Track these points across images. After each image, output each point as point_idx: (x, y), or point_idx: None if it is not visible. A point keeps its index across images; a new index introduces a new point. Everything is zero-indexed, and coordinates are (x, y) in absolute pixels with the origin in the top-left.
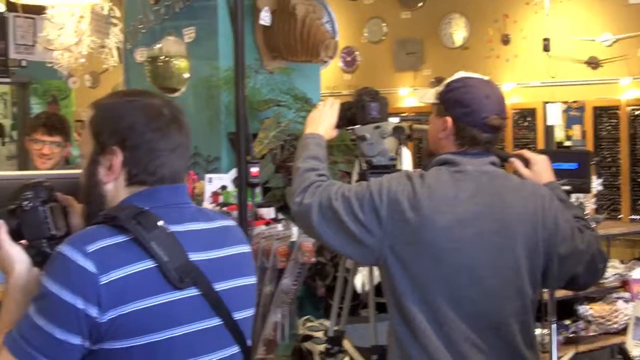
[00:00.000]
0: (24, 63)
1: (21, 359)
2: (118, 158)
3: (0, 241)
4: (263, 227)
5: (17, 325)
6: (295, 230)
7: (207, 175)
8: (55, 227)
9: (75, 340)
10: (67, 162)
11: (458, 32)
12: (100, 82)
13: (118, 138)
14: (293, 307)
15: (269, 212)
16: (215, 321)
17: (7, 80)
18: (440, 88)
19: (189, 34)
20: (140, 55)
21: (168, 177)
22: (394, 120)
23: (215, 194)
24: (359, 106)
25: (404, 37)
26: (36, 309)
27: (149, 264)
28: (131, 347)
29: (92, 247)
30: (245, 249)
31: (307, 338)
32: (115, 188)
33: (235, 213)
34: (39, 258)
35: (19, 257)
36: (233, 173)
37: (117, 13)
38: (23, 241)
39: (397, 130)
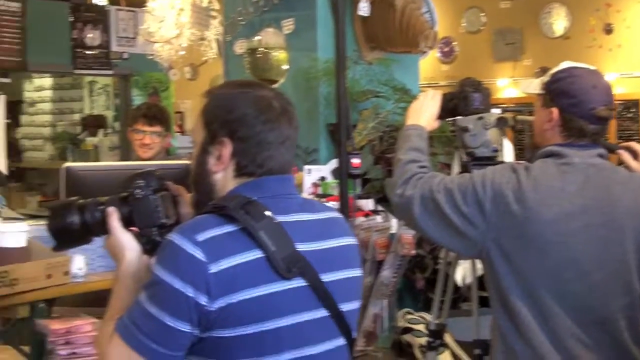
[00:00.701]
0: (125, 55)
1: (132, 345)
2: (227, 149)
3: (112, 228)
4: (362, 219)
5: (128, 312)
6: (394, 222)
7: (306, 167)
8: (165, 215)
9: (185, 327)
10: (167, 153)
11: (559, 21)
12: (199, 74)
13: (228, 129)
14: (392, 300)
15: (367, 204)
16: (322, 312)
17: (110, 72)
18: (545, 78)
19: (288, 25)
20: (240, 47)
21: (276, 169)
22: (496, 111)
23: (314, 185)
24: (461, 97)
25: (503, 26)
26: (147, 296)
27: (257, 253)
28: (239, 335)
29: (202, 236)
30: (352, 241)
31: (407, 330)
32: (224, 178)
33: (334, 204)
34: (149, 246)
35: (129, 244)
36: (332, 164)
37: (217, 5)
38: (133, 229)
39: (500, 121)
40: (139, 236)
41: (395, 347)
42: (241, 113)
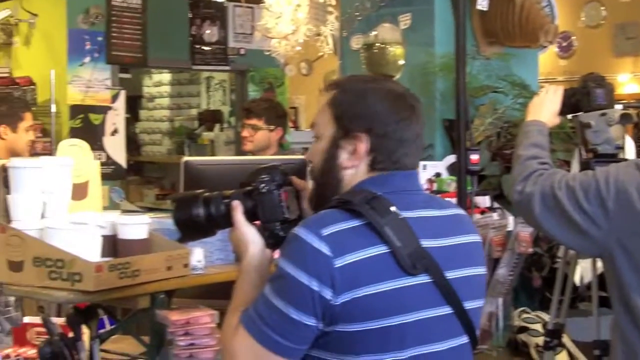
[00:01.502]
0: (242, 51)
1: (257, 337)
2: (363, 144)
3: (236, 222)
4: (478, 216)
5: (253, 305)
6: (511, 220)
7: (422, 163)
8: (288, 210)
9: (310, 321)
10: (281, 147)
11: None
12: (314, 69)
13: (365, 124)
14: (508, 298)
15: (484, 201)
16: (446, 309)
17: (227, 68)
18: None
19: (405, 20)
20: (356, 42)
21: (409, 166)
22: (619, 107)
23: (429, 181)
24: (584, 92)
25: (624, 20)
26: (273, 289)
27: (382, 249)
28: (364, 330)
29: (327, 231)
30: (476, 238)
31: (523, 330)
32: (355, 173)
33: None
34: (272, 240)
35: (253, 238)
36: (448, 160)
37: (333, 1)
38: (257, 222)
39: (624, 117)
40: (262, 230)
41: (510, 346)
42: (378, 109)
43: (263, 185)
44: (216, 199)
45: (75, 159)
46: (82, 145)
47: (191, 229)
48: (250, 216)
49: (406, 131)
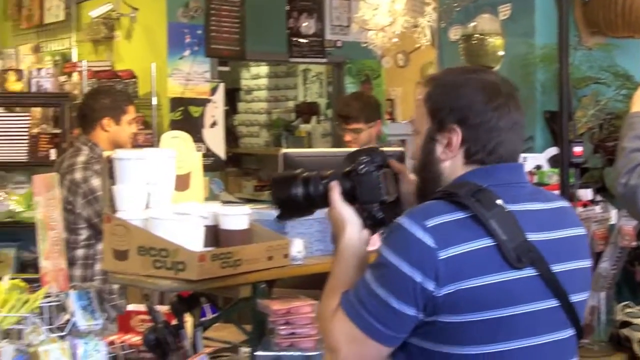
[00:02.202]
0: (339, 44)
1: (356, 322)
2: (457, 136)
3: (334, 201)
4: (580, 209)
5: (354, 289)
6: (614, 213)
7: (522, 155)
8: (387, 192)
9: (410, 311)
10: (379, 139)
11: None
12: (410, 61)
13: (458, 116)
14: (611, 292)
15: (586, 194)
16: (553, 303)
17: (324, 60)
18: None
19: (505, 11)
20: (454, 33)
21: (505, 156)
22: None
23: (529, 174)
24: None
25: None
26: (374, 276)
27: (487, 242)
28: (468, 322)
29: (431, 222)
30: (581, 231)
31: (625, 324)
32: (453, 166)
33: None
34: (370, 222)
35: (350, 218)
36: (549, 152)
37: None
38: (354, 204)
39: None
40: (360, 211)
41: (612, 340)
42: (470, 99)
43: (362, 166)
44: (315, 178)
45: (178, 151)
46: (184, 137)
47: (290, 207)
48: (349, 197)
49: (500, 120)
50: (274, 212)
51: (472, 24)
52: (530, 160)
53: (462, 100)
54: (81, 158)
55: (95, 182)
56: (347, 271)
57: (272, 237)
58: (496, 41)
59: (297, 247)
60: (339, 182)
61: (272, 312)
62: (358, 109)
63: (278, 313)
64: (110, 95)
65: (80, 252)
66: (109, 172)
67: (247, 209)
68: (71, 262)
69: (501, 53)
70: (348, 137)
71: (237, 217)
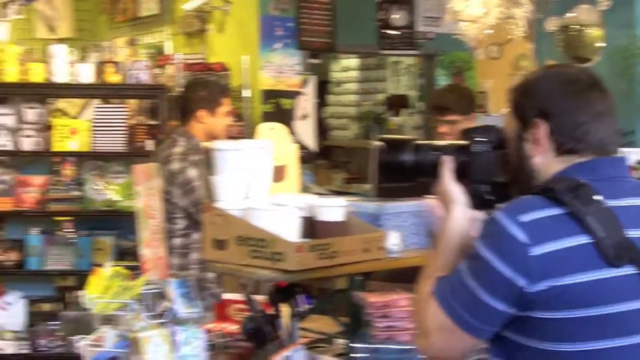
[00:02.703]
0: (430, 35)
1: (447, 311)
2: (542, 130)
3: (444, 177)
4: None
5: (448, 277)
6: None
7: (621, 149)
8: (499, 173)
9: (499, 306)
10: None
11: None
12: (503, 53)
13: (538, 109)
14: None
15: None
16: None
17: (414, 52)
18: None
19: (604, 1)
20: (552, 24)
21: (595, 144)
22: None
23: (631, 169)
24: None
25: None
26: (468, 267)
27: (584, 239)
28: (564, 319)
29: (525, 217)
30: None
31: None
32: (545, 161)
33: None
34: (477, 201)
35: (458, 197)
36: None
37: None
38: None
39: None
40: (468, 189)
41: None
42: (548, 91)
43: (477, 144)
44: (426, 147)
45: (274, 142)
46: (280, 129)
47: (393, 172)
48: (459, 173)
49: (581, 109)
50: (369, 204)
51: (571, 15)
52: (631, 155)
53: (541, 93)
54: (178, 149)
55: (192, 172)
56: (448, 254)
57: (368, 230)
58: (595, 32)
59: (393, 240)
60: (452, 157)
61: (369, 304)
62: (454, 100)
63: (375, 306)
64: (207, 87)
65: (177, 241)
66: (208, 163)
67: (343, 200)
68: (168, 251)
69: (600, 44)
70: (443, 129)
71: (334, 208)
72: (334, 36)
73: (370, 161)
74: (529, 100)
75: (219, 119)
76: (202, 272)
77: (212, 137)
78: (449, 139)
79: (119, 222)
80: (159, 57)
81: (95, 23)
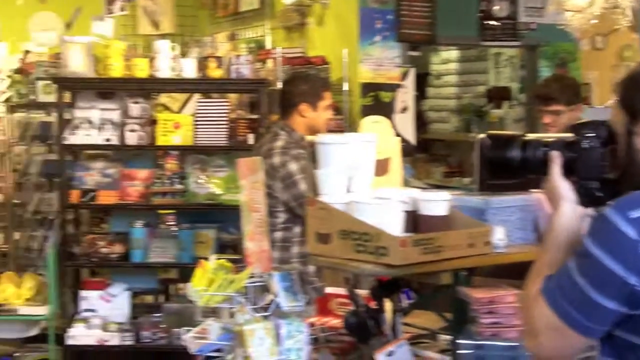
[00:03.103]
0: (533, 26)
1: (555, 310)
2: None
3: (552, 173)
4: None
5: (557, 275)
6: None
7: None
8: (609, 170)
9: (610, 304)
10: None
11: None
12: (608, 43)
13: None
14: None
15: None
16: None
17: (517, 43)
18: None
19: None
20: None
21: None
22: None
23: None
24: None
25: None
26: (577, 265)
27: None
28: None
29: (636, 214)
30: None
31: None
32: None
33: None
34: (586, 199)
35: (567, 194)
36: None
37: None
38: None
39: None
40: (576, 186)
41: None
42: None
43: (586, 140)
44: (534, 143)
45: (378, 136)
46: (383, 122)
47: (499, 169)
48: (566, 170)
49: None
50: (473, 198)
51: None
52: None
53: None
54: (279, 143)
55: (293, 166)
56: (556, 251)
57: (473, 224)
58: None
59: (498, 235)
60: (560, 153)
61: (474, 300)
62: (558, 90)
63: (481, 301)
64: (308, 81)
65: (278, 235)
66: (312, 157)
67: (447, 194)
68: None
69: None
70: (546, 120)
71: (438, 202)
72: (434, 28)
73: (473, 155)
74: (637, 92)
75: (321, 112)
76: (303, 266)
77: (313, 130)
78: (552, 130)
79: (220, 215)
80: (259, 51)
81: (196, 18)
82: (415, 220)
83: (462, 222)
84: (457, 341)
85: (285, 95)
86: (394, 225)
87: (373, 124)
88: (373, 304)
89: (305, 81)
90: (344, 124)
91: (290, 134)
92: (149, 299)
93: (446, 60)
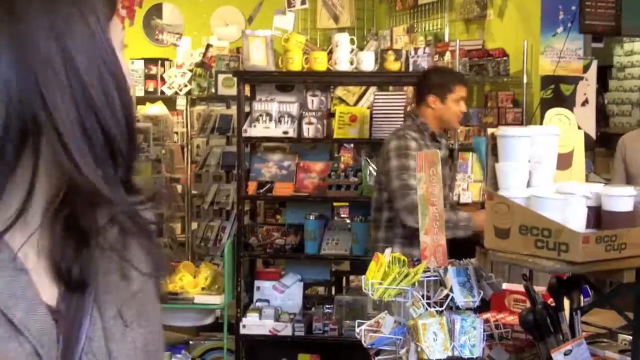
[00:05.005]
0: None
1: None
2: None
3: None
4: None
5: None
6: None
7: None
8: None
9: None
10: None
11: None
12: None
13: None
14: None
15: None
16: None
17: None
18: None
19: None
20: None
21: None
22: None
23: None
24: None
25: None
26: None
27: None
28: None
29: None
30: None
31: None
32: None
33: None
34: None
35: None
36: None
37: None
38: None
39: None
40: None
41: None
42: None
43: None
44: None
45: (561, 129)
46: (568, 115)
47: None
48: None
49: None
50: None
51: None
52: None
53: None
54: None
55: (394, 163)
56: None
57: None
58: None
59: None
60: None
61: None
62: None
63: None
64: (440, 74)
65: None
66: (492, 150)
67: (632, 189)
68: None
69: None
70: None
71: (623, 198)
72: (619, 19)
73: None
74: None
75: (449, 105)
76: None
77: (442, 122)
78: None
79: None
80: (437, 44)
81: (374, 12)
82: (598, 216)
83: None
84: (639, 341)
85: (419, 86)
86: (576, 221)
87: (556, 116)
88: (550, 301)
89: (437, 74)
90: (522, 117)
91: (414, 119)
92: (321, 290)
93: (630, 52)
